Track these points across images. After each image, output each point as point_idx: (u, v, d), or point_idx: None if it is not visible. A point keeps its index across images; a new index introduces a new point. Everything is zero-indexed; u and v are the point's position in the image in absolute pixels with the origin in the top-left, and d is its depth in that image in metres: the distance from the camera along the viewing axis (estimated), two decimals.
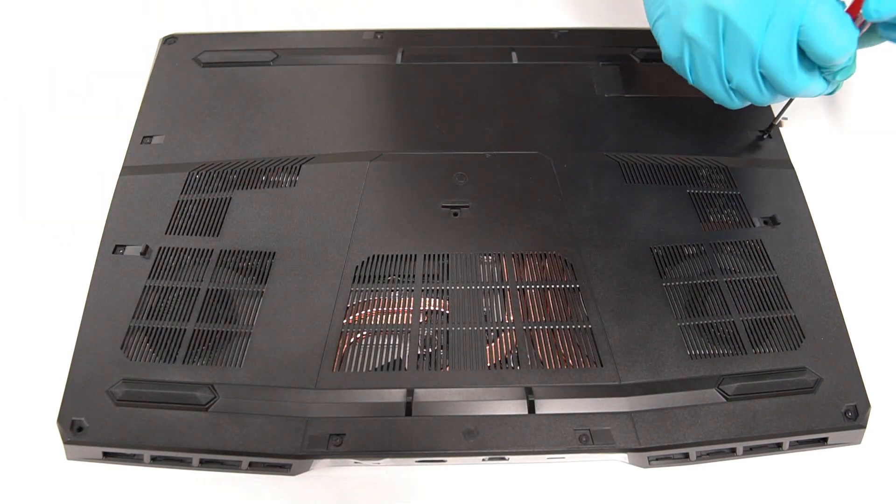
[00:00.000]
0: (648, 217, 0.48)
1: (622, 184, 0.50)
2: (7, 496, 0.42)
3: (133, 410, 0.40)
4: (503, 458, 0.41)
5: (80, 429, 0.40)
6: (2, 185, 0.54)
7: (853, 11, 0.40)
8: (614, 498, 0.43)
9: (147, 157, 0.51)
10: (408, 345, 0.43)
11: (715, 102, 0.46)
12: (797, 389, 0.41)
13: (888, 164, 0.56)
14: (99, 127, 0.57)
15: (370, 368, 0.42)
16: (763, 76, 0.42)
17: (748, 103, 0.45)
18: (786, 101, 0.49)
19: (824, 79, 0.42)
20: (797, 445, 0.41)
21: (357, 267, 0.46)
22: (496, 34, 0.60)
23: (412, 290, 0.45)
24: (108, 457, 0.40)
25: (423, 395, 0.41)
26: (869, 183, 0.55)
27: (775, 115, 0.53)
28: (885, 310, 0.49)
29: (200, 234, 0.47)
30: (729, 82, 0.43)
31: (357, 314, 0.44)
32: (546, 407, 0.41)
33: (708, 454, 0.41)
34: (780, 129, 0.54)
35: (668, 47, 0.45)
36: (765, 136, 0.53)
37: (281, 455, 0.39)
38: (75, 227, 0.51)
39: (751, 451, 0.41)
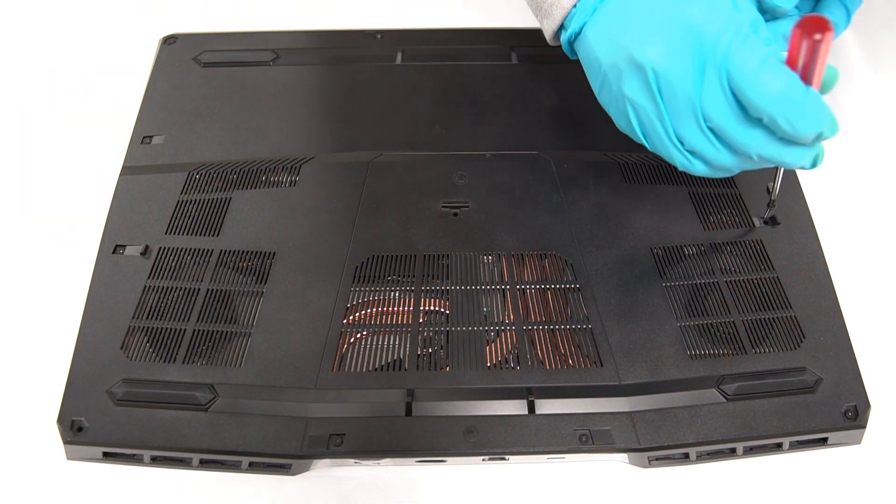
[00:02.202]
0: (648, 217, 0.48)
1: (622, 184, 0.50)
2: (7, 496, 0.42)
3: (133, 410, 0.40)
4: (503, 458, 0.41)
5: (80, 429, 0.40)
6: (2, 185, 0.54)
7: (792, 56, 0.36)
8: (614, 498, 0.43)
9: (147, 157, 0.51)
10: (408, 345, 0.43)
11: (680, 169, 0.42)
12: (797, 389, 0.41)
13: (888, 165, 0.56)
14: (99, 127, 0.57)
15: (370, 368, 0.42)
16: (714, 132, 0.38)
17: (718, 171, 0.40)
18: (774, 171, 0.46)
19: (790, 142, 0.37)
20: (797, 445, 0.41)
21: (357, 267, 0.46)
22: (496, 34, 0.60)
23: (412, 290, 0.45)
24: (108, 457, 0.40)
25: (423, 395, 0.41)
26: (869, 183, 0.55)
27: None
28: (885, 310, 0.49)
29: (200, 234, 0.47)
30: (682, 144, 0.39)
31: (357, 314, 0.44)
32: (546, 407, 0.41)
33: (708, 454, 0.41)
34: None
35: (616, 116, 0.42)
36: (766, 223, 0.49)
37: (281, 455, 0.39)
38: (75, 227, 0.51)
39: (751, 451, 0.41)
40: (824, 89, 0.37)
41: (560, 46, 0.46)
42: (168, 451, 0.40)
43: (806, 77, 0.36)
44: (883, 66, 0.62)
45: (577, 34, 0.43)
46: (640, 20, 0.39)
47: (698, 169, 0.41)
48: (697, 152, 0.39)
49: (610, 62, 0.40)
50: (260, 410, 0.40)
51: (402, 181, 0.50)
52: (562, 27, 0.44)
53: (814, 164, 0.39)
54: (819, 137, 0.37)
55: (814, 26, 0.34)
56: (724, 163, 0.39)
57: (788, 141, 0.37)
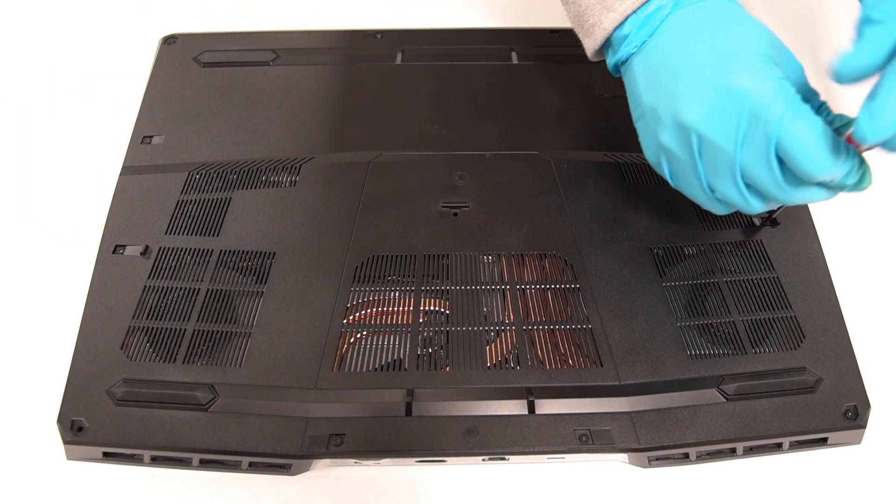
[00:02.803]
0: (648, 217, 0.48)
1: (622, 184, 0.50)
2: (7, 496, 0.42)
3: (133, 410, 0.40)
4: (503, 458, 0.41)
5: (80, 429, 0.40)
6: (2, 185, 0.54)
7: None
8: (614, 498, 0.43)
9: (147, 157, 0.51)
10: (408, 345, 0.43)
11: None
12: (797, 389, 0.41)
13: (888, 165, 0.56)
14: (99, 127, 0.57)
15: (370, 368, 0.42)
16: (748, 186, 0.38)
17: (736, 209, 0.41)
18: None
19: (825, 187, 0.38)
20: (797, 445, 0.41)
21: (357, 267, 0.46)
22: (496, 34, 0.60)
23: (412, 290, 0.45)
24: (108, 457, 0.40)
25: (423, 395, 0.41)
26: None
27: None
28: (885, 310, 0.49)
29: (200, 234, 0.47)
30: (712, 192, 0.40)
31: (357, 314, 0.44)
32: (546, 407, 0.41)
33: (708, 454, 0.41)
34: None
35: (648, 152, 0.43)
36: (766, 224, 0.49)
37: (281, 455, 0.39)
38: (75, 227, 0.51)
39: (751, 451, 0.41)
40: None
41: (599, 62, 0.46)
42: (168, 451, 0.40)
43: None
44: None
45: (624, 62, 0.43)
46: (686, 75, 0.38)
47: (720, 210, 0.41)
48: (728, 201, 0.40)
49: (650, 105, 0.40)
50: (260, 410, 0.40)
51: (402, 181, 0.50)
52: (609, 48, 0.44)
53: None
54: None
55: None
56: (751, 211, 0.40)
57: (828, 188, 0.38)
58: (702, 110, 0.37)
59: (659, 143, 0.40)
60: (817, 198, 0.38)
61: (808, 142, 0.35)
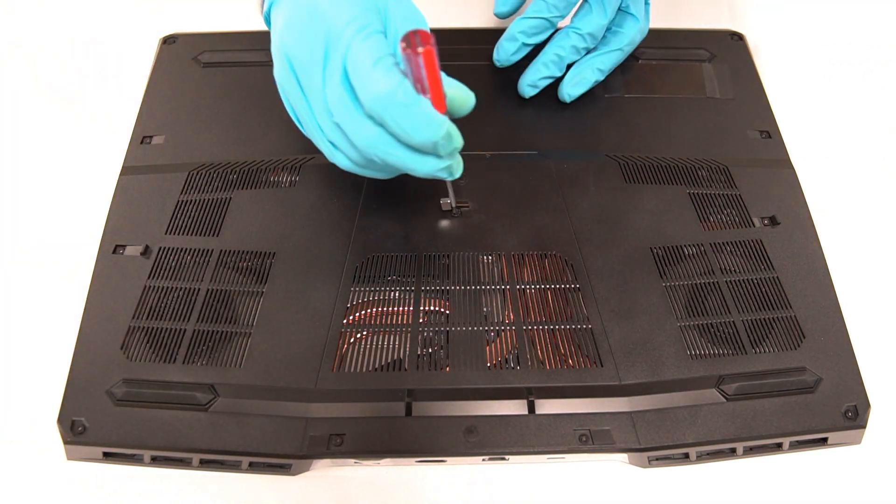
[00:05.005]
0: (648, 217, 0.48)
1: (622, 184, 0.50)
2: (7, 496, 0.42)
3: (133, 410, 0.40)
4: (503, 458, 0.41)
5: (80, 429, 0.40)
6: (1, 185, 0.54)
7: (409, 68, 0.35)
8: (614, 498, 0.43)
9: (147, 157, 0.51)
10: (408, 345, 0.43)
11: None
12: (797, 389, 0.41)
13: (888, 164, 0.56)
14: (99, 127, 0.57)
15: (370, 368, 0.42)
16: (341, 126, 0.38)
17: (363, 170, 0.41)
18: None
19: (413, 150, 0.38)
20: (797, 445, 0.41)
21: (357, 267, 0.46)
22: (496, 34, 0.60)
23: (412, 290, 0.45)
24: (108, 457, 0.40)
25: (422, 394, 0.41)
26: (869, 183, 0.55)
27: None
28: (885, 310, 0.49)
29: (200, 234, 0.47)
30: (325, 133, 0.40)
31: (357, 314, 0.44)
32: (546, 407, 0.41)
33: (708, 454, 0.41)
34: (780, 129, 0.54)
35: (281, 95, 0.43)
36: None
37: (281, 455, 0.39)
38: (75, 228, 0.51)
39: (751, 451, 0.41)
40: (455, 111, 0.38)
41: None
42: (168, 451, 0.40)
43: (423, 90, 0.35)
44: (882, 63, 0.62)
45: (269, 14, 0.44)
46: (290, 6, 0.39)
47: (340, 161, 0.41)
48: (336, 144, 0.40)
49: (273, 45, 0.41)
50: (260, 410, 0.40)
51: (402, 181, 0.50)
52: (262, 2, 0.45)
53: (450, 175, 0.40)
54: (437, 148, 0.37)
55: (417, 40, 0.34)
56: (355, 158, 0.40)
57: (411, 147, 0.37)
58: (292, 33, 0.38)
59: (276, 79, 0.41)
60: (407, 161, 0.38)
61: (365, 64, 0.35)
